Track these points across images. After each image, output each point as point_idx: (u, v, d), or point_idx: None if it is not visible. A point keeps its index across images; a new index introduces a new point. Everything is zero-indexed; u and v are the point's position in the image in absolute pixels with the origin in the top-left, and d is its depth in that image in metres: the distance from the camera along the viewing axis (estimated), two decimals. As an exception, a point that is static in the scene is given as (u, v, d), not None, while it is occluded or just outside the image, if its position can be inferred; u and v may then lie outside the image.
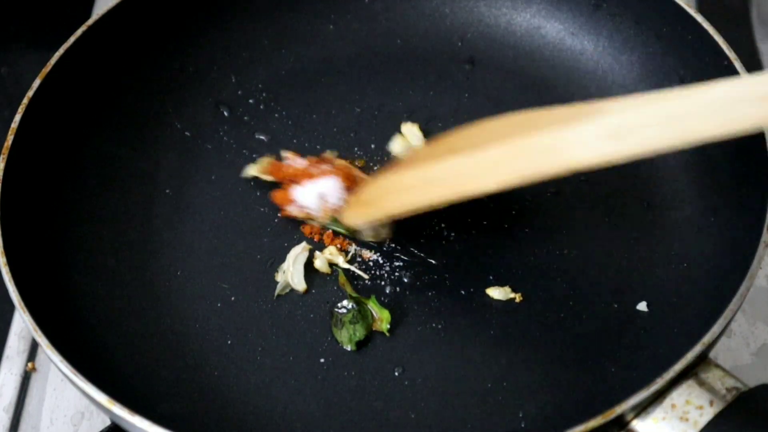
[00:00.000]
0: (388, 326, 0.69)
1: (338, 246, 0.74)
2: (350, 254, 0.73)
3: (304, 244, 0.74)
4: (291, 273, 0.72)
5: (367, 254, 0.73)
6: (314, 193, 0.73)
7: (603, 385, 0.65)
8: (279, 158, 0.78)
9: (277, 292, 0.72)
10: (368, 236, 0.74)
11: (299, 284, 0.72)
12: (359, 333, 0.69)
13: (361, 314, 0.69)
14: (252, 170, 0.78)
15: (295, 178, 0.75)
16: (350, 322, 0.69)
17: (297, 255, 0.72)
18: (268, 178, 0.77)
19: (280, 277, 0.72)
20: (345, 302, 0.70)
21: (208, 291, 0.72)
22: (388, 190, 0.70)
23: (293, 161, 0.76)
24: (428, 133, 0.80)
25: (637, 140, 0.57)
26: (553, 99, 0.81)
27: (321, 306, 0.71)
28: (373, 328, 0.69)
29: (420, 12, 0.88)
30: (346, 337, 0.68)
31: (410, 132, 0.80)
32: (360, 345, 0.69)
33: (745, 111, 0.53)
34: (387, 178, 0.71)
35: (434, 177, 0.66)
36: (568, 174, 0.59)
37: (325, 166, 0.75)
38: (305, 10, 0.87)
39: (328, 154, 0.79)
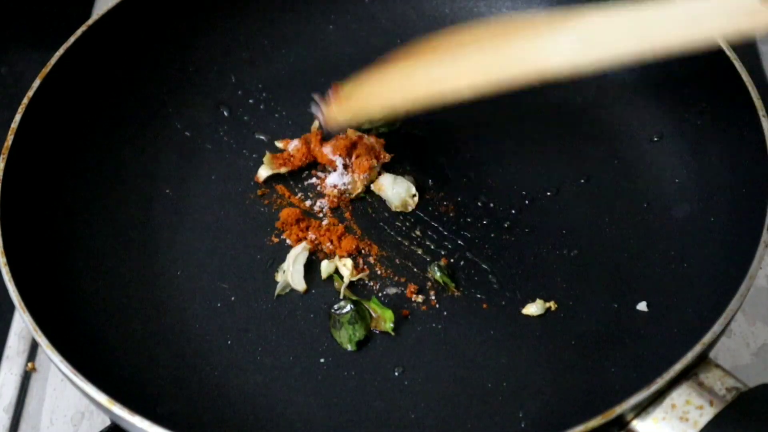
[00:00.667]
0: (392, 325, 0.69)
1: (354, 257, 0.73)
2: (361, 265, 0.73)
3: (304, 244, 0.74)
4: (291, 273, 0.72)
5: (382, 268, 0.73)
6: (337, 177, 0.77)
7: (603, 385, 0.65)
8: (276, 151, 0.80)
9: (277, 292, 0.72)
10: (396, 207, 0.76)
11: (299, 284, 0.72)
12: (359, 333, 0.68)
13: (359, 314, 0.69)
14: (264, 171, 0.78)
15: (304, 162, 0.79)
16: (349, 323, 0.69)
17: (297, 255, 0.72)
18: (283, 170, 0.78)
19: (280, 277, 0.72)
20: (342, 303, 0.70)
21: (208, 291, 0.72)
22: (373, 88, 0.72)
23: (289, 146, 0.79)
24: (427, 132, 0.80)
25: (605, 46, 0.59)
26: (552, 99, 0.81)
27: (321, 306, 0.71)
28: (377, 328, 0.69)
29: (420, 12, 0.88)
30: (346, 338, 0.68)
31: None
32: (360, 345, 0.69)
33: (708, 24, 0.57)
34: (373, 77, 0.72)
35: (414, 77, 0.68)
36: (538, 81, 0.62)
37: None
38: (305, 10, 0.87)
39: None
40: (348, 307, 0.69)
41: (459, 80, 0.65)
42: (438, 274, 0.71)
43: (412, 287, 0.71)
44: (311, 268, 0.73)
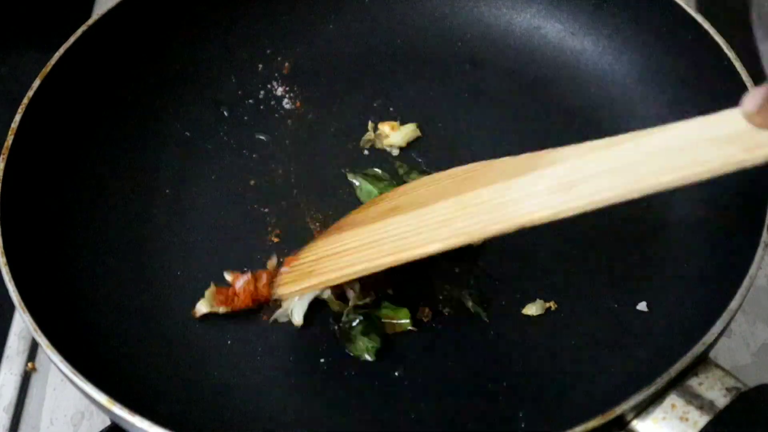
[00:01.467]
0: (410, 320, 0.68)
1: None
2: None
3: None
4: (294, 308, 0.69)
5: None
6: None
7: (603, 385, 0.65)
8: (224, 284, 0.72)
9: (273, 317, 0.69)
10: (358, 301, 0.69)
11: (297, 318, 0.69)
12: (375, 342, 0.67)
13: (371, 324, 0.68)
14: (202, 307, 0.70)
15: (249, 303, 0.70)
16: (362, 334, 0.68)
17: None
18: (222, 310, 0.70)
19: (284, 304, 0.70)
20: (350, 316, 0.69)
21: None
22: (324, 255, 0.65)
23: (237, 282, 0.70)
24: (427, 132, 0.81)
25: (587, 191, 0.54)
26: (553, 99, 0.82)
27: (321, 306, 0.71)
28: (395, 331, 0.68)
29: (420, 12, 0.88)
30: (363, 349, 0.67)
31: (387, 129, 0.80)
32: (379, 353, 0.67)
33: (704, 154, 0.49)
34: (323, 242, 0.67)
35: (374, 239, 0.61)
36: (516, 230, 0.57)
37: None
38: (305, 10, 0.87)
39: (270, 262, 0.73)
40: (357, 320, 0.68)
41: (427, 239, 0.58)
42: (470, 303, 0.70)
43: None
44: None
